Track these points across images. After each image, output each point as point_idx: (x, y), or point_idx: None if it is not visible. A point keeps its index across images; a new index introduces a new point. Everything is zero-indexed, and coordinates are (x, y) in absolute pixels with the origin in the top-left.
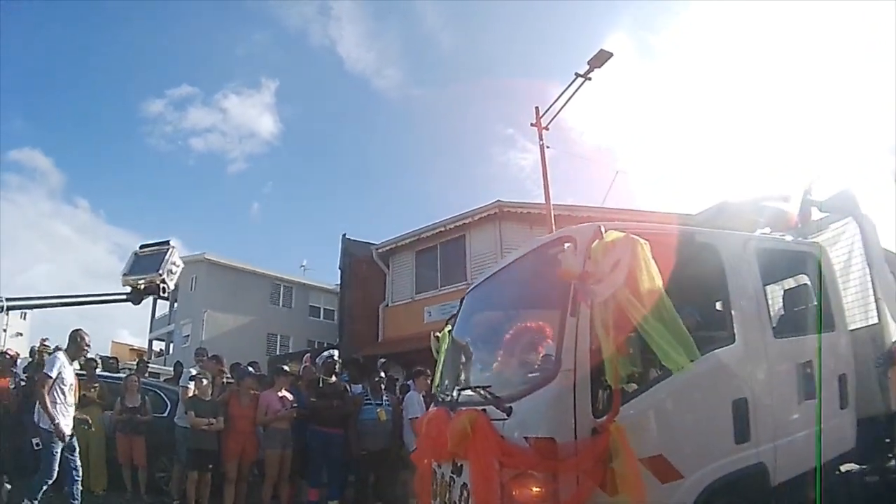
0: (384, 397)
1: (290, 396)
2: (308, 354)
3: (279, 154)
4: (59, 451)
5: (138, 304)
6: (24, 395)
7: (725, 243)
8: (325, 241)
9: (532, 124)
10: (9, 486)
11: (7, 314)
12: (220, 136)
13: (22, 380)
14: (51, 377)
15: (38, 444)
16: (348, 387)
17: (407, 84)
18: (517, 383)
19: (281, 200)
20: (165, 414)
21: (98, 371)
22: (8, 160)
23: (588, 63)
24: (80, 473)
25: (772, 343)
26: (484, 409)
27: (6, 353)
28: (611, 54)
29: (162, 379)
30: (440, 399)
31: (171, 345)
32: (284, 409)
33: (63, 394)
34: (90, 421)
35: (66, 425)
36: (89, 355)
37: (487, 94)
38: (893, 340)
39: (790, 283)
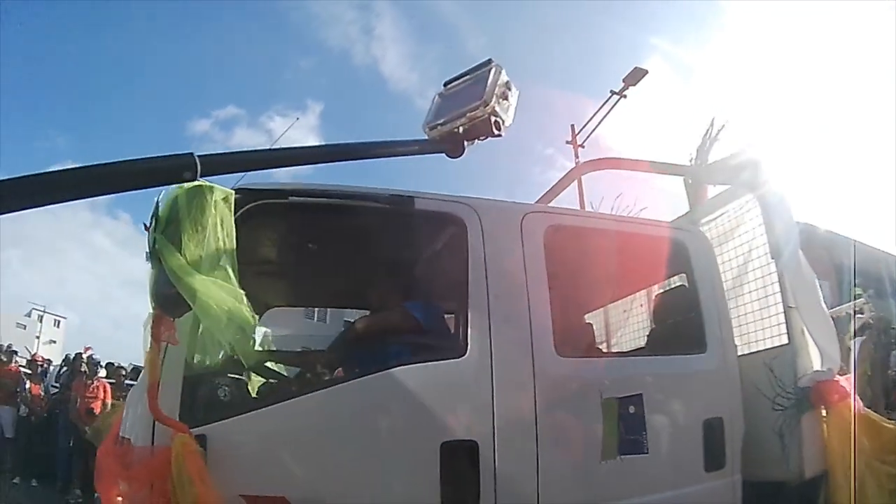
0: None
1: None
2: None
3: (324, 175)
4: None
5: (459, 156)
6: (55, 403)
7: (486, 216)
8: None
9: (567, 142)
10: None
11: (41, 321)
12: None
13: (54, 386)
14: None
15: None
16: None
17: None
18: None
19: None
20: None
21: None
22: None
23: (623, 81)
24: None
25: (551, 364)
26: None
27: (35, 359)
28: (646, 72)
29: None
30: None
31: None
32: None
33: None
34: None
35: None
36: (119, 364)
37: (529, 115)
38: (813, 371)
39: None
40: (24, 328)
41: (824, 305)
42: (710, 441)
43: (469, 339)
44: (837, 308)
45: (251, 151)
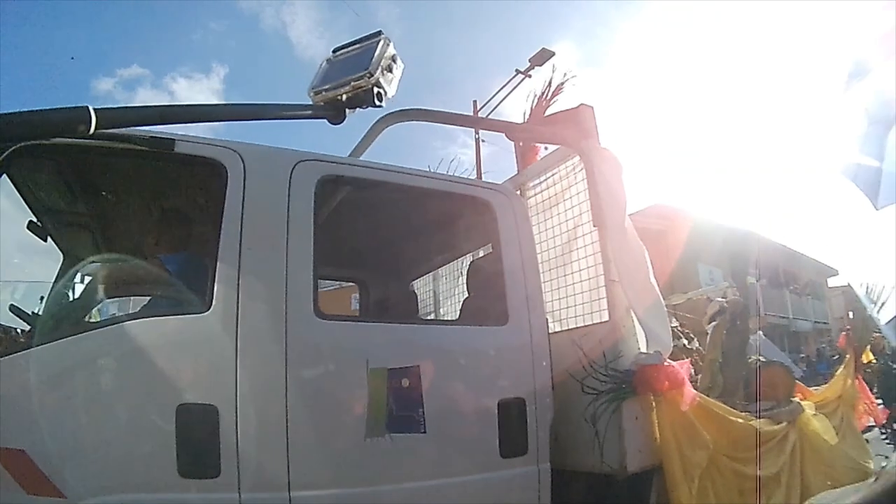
0: None
1: None
2: None
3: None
4: None
5: (340, 123)
6: None
7: (251, 162)
8: None
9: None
10: None
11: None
12: None
13: None
14: None
15: None
16: None
17: None
18: None
19: None
20: None
21: None
22: None
23: (529, 61)
24: None
25: (308, 326)
26: None
27: None
28: (552, 53)
29: None
30: None
31: None
32: None
33: None
34: None
35: None
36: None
37: (432, 89)
38: (637, 354)
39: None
40: None
41: (655, 282)
42: (507, 424)
43: (215, 293)
44: (700, 291)
45: (147, 107)
